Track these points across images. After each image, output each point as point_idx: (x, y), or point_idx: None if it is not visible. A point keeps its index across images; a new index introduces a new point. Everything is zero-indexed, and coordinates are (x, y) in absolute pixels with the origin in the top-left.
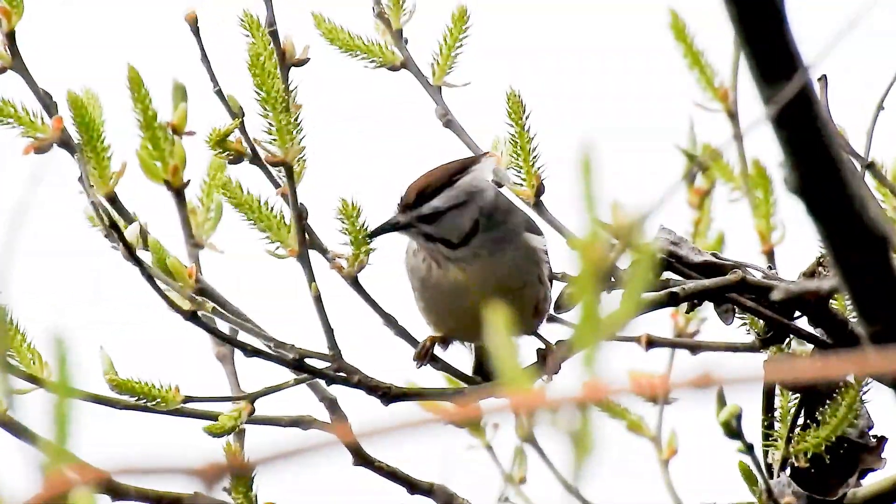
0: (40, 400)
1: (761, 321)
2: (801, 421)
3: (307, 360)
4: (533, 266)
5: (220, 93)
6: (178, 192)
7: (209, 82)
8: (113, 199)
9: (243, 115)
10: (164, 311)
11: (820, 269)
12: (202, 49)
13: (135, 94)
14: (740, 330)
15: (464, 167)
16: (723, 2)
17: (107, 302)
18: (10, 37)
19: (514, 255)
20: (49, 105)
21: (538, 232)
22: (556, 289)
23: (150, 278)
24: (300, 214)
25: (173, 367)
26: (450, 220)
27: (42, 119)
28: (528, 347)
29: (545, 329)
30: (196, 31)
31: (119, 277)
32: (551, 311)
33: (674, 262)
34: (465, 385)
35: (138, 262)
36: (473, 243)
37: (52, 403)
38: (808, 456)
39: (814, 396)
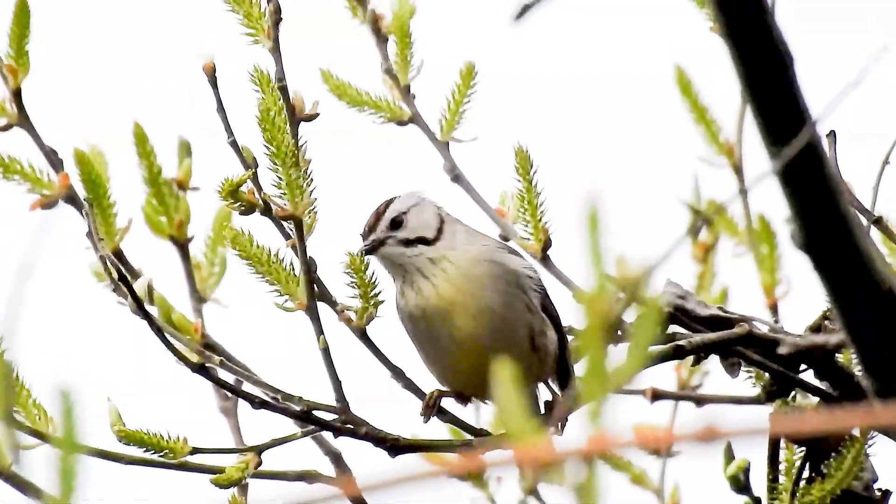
0: (46, 455)
1: (767, 374)
2: (806, 474)
3: (315, 412)
4: (514, 288)
5: (234, 143)
6: (183, 247)
7: (221, 134)
8: (119, 255)
9: (257, 166)
10: (169, 365)
11: (826, 323)
12: (219, 100)
13: (140, 150)
14: (746, 383)
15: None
16: (730, 58)
17: (111, 357)
18: (17, 94)
19: (490, 269)
20: (55, 161)
21: (518, 255)
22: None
23: (159, 331)
24: (309, 268)
25: (177, 422)
26: (415, 217)
27: (48, 175)
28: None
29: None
30: (213, 82)
31: (121, 333)
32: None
33: (680, 315)
34: (472, 438)
35: (147, 316)
36: (447, 234)
37: (57, 459)
38: None
39: (819, 450)
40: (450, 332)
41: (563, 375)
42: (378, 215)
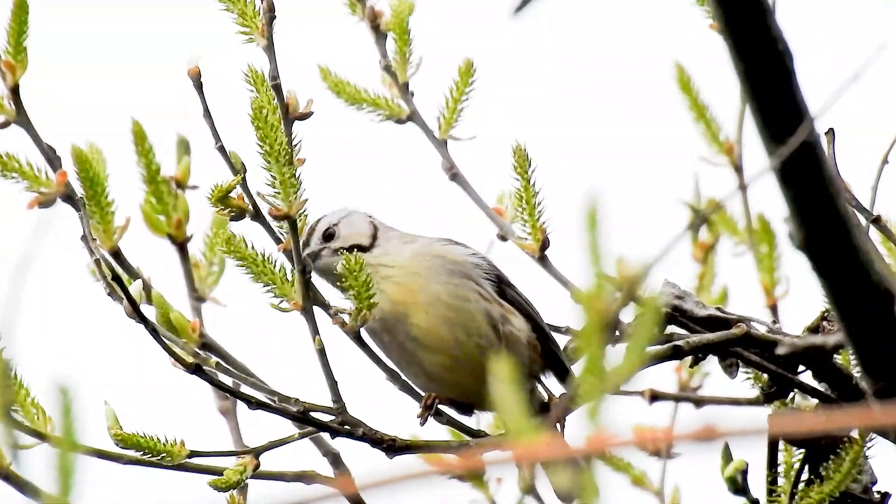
0: (44, 454)
1: (765, 375)
2: (804, 476)
3: (311, 413)
4: (459, 277)
5: (222, 149)
6: (182, 246)
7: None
8: (117, 254)
9: (245, 172)
10: (166, 365)
11: (824, 323)
12: (205, 105)
13: (138, 149)
14: (744, 384)
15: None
16: (730, 55)
17: (109, 356)
18: (14, 91)
19: (431, 262)
20: (53, 159)
21: (462, 245)
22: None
23: (154, 333)
24: (304, 268)
25: (176, 422)
26: (346, 227)
27: (46, 173)
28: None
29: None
30: (199, 87)
31: (122, 331)
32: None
33: (678, 315)
34: (470, 438)
35: (142, 319)
36: (381, 240)
37: (55, 458)
38: None
39: (818, 451)
40: (409, 333)
41: (558, 370)
42: (311, 231)
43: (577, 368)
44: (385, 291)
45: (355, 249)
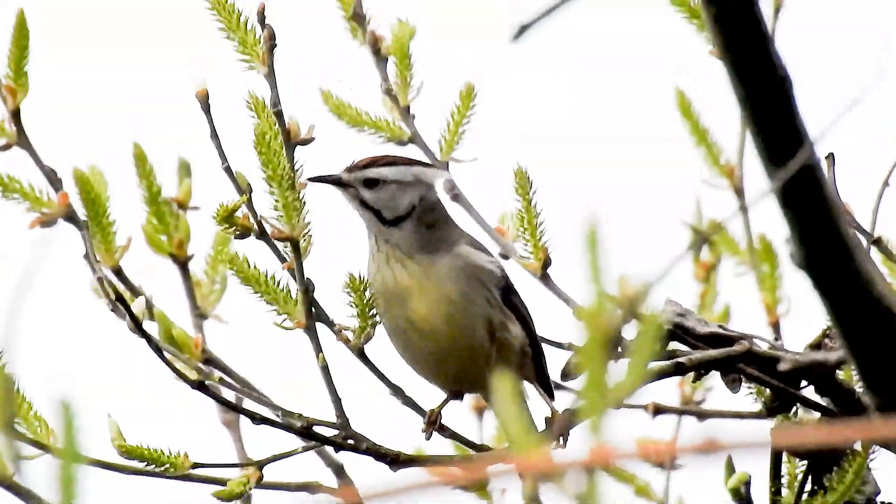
0: (47, 466)
1: (768, 390)
2: (808, 487)
3: (315, 429)
4: (475, 282)
5: (228, 169)
6: (183, 265)
7: (216, 157)
8: (119, 273)
9: (251, 192)
10: (169, 380)
11: (826, 340)
12: (212, 126)
13: (140, 171)
14: (747, 399)
15: (421, 163)
16: (730, 80)
17: (112, 373)
18: (16, 114)
19: (453, 263)
20: (54, 181)
21: (485, 251)
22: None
23: (157, 349)
24: (307, 288)
25: (179, 435)
26: (390, 192)
27: (47, 195)
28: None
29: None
30: (206, 109)
31: (124, 347)
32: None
33: (680, 333)
34: (474, 452)
35: (145, 335)
36: (405, 227)
37: (58, 469)
38: None
39: (821, 463)
40: (406, 314)
41: (544, 383)
42: (368, 164)
43: (579, 383)
44: (393, 271)
45: (375, 218)
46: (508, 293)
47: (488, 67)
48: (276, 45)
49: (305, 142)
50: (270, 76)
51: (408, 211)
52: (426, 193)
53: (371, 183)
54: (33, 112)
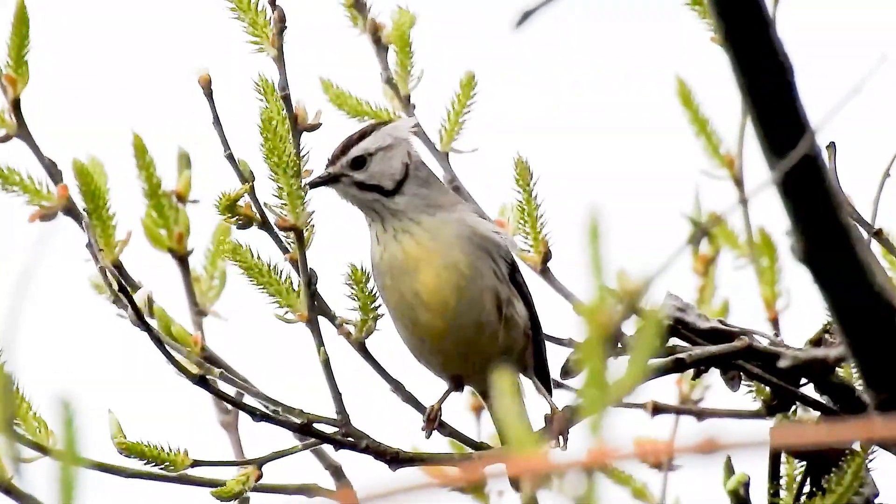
0: (46, 468)
1: (767, 388)
2: (807, 488)
3: (315, 425)
4: (481, 251)
5: (231, 157)
6: (183, 260)
7: (218, 145)
8: (118, 267)
9: (254, 180)
10: (169, 378)
11: (826, 336)
12: (215, 113)
13: (139, 162)
14: (746, 397)
15: (386, 122)
16: (731, 68)
17: (110, 370)
18: (16, 104)
19: (459, 230)
20: (54, 173)
21: (489, 220)
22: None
23: (158, 342)
24: (310, 280)
25: (178, 436)
26: (379, 162)
27: (47, 187)
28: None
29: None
30: (209, 95)
31: (121, 346)
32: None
33: (680, 328)
34: (473, 451)
35: (147, 327)
36: (407, 189)
37: (57, 471)
38: None
39: (820, 464)
40: (414, 287)
41: (542, 373)
42: (344, 148)
43: (579, 380)
44: (401, 243)
45: (378, 193)
46: (514, 270)
47: (489, 56)
48: (286, 28)
49: (313, 127)
50: (279, 59)
51: (403, 172)
52: (409, 149)
53: (359, 162)
54: (33, 103)
